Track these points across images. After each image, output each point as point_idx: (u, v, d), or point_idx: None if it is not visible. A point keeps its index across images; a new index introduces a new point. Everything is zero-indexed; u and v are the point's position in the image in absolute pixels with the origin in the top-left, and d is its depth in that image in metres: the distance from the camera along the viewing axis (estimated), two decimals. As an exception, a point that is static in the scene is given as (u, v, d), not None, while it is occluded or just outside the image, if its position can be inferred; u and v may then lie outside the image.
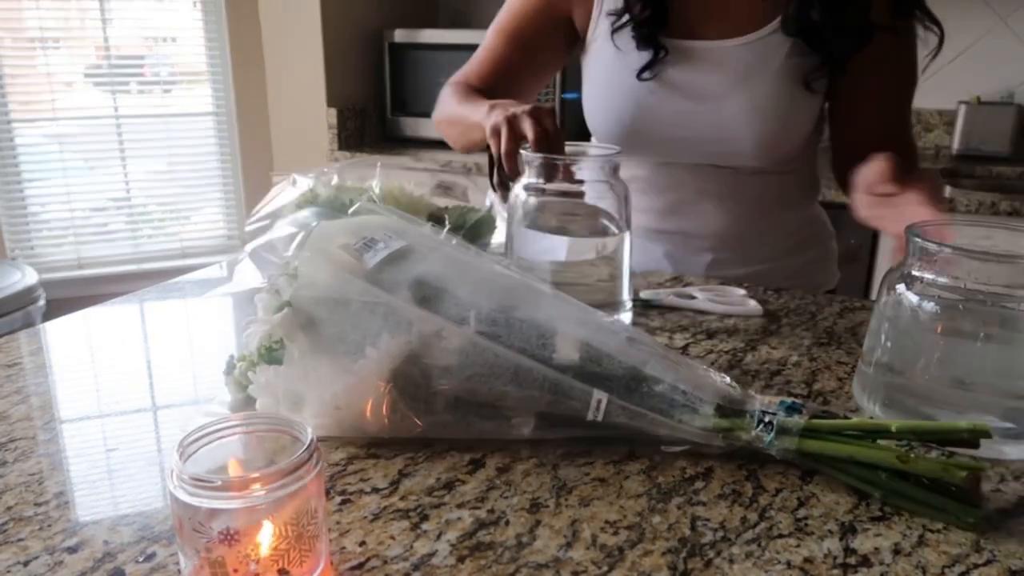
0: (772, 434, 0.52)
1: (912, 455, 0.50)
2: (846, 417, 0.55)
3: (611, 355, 0.56)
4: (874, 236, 1.85)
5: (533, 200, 0.74)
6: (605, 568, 0.44)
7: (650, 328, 0.80)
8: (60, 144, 2.63)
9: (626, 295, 0.76)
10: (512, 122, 0.76)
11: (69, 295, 2.53)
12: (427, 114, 2.48)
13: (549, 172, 0.73)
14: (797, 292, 0.92)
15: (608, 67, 0.99)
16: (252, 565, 0.38)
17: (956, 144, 2.24)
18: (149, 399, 0.66)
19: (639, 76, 0.95)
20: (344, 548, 0.45)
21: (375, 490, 0.51)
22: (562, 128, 0.75)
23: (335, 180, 0.79)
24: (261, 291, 0.58)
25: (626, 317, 0.76)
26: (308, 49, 2.44)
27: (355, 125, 2.53)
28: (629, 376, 0.55)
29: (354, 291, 0.55)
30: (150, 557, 0.44)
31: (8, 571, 0.43)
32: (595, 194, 0.74)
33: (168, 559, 0.44)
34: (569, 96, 2.22)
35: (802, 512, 0.49)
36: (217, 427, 0.41)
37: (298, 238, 0.65)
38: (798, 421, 0.52)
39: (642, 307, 0.85)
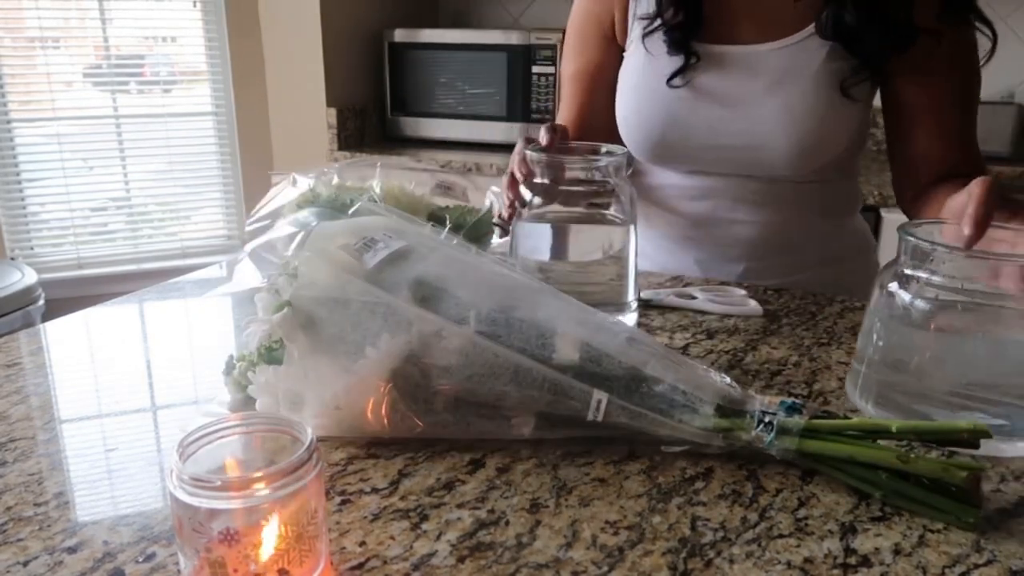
0: (772, 434, 0.52)
1: (912, 455, 0.50)
2: (846, 417, 0.55)
3: (611, 355, 0.56)
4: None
5: (538, 200, 0.74)
6: (605, 568, 0.44)
7: (650, 328, 0.80)
8: (60, 144, 2.63)
9: (632, 296, 0.76)
10: (528, 138, 0.78)
11: (69, 295, 2.53)
12: (427, 114, 2.51)
13: (554, 171, 0.73)
14: (797, 292, 0.92)
15: (639, 73, 0.96)
16: (252, 565, 0.38)
17: (956, 144, 2.24)
18: (149, 399, 0.66)
19: (669, 83, 0.92)
20: (344, 548, 0.45)
21: (375, 490, 0.51)
22: None
23: (336, 180, 0.79)
24: (261, 291, 0.58)
25: (631, 318, 0.76)
26: (308, 49, 2.44)
27: (355, 125, 2.53)
28: (629, 376, 0.55)
29: (354, 291, 0.55)
30: (150, 557, 0.44)
31: (8, 571, 0.43)
32: (598, 194, 0.74)
33: (168, 559, 0.44)
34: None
35: (802, 512, 0.49)
36: (217, 427, 0.41)
37: (298, 238, 0.65)
38: (798, 421, 0.52)
39: (642, 307, 0.85)
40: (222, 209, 2.83)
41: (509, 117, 2.39)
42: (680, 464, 0.55)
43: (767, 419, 0.53)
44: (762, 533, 0.47)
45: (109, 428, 0.61)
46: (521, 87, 2.35)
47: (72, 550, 0.45)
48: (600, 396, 0.54)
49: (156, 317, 0.86)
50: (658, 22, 0.93)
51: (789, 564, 0.44)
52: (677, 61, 0.92)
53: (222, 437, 0.41)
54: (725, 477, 0.53)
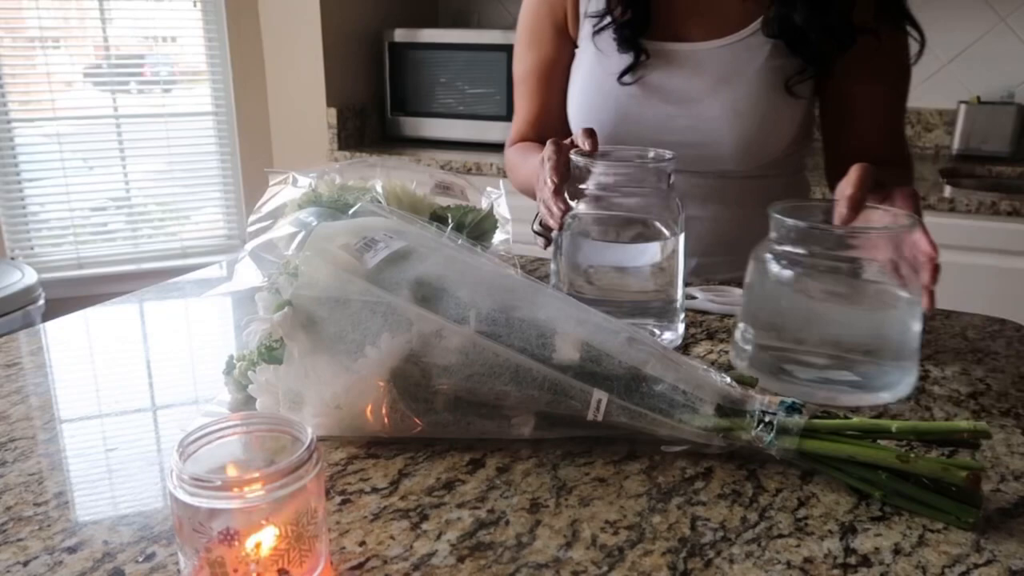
0: (772, 434, 0.52)
1: (912, 455, 0.50)
2: (846, 417, 0.55)
3: (611, 355, 0.56)
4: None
5: (584, 207, 0.73)
6: (605, 568, 0.44)
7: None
8: (60, 144, 2.63)
9: (680, 304, 0.75)
10: (556, 142, 0.76)
11: (69, 295, 2.53)
12: (427, 114, 2.52)
13: (605, 177, 0.72)
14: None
15: (589, 70, 0.98)
16: (252, 565, 0.38)
17: (956, 144, 2.24)
18: (149, 399, 0.66)
19: (619, 79, 0.94)
20: (344, 548, 0.45)
21: (375, 490, 0.51)
22: None
23: (337, 180, 0.79)
24: (261, 290, 0.58)
25: (680, 328, 0.75)
26: (308, 49, 2.44)
27: (355, 125, 2.53)
28: (629, 376, 0.55)
29: (354, 291, 0.55)
30: (150, 557, 0.44)
31: (8, 571, 0.43)
32: (646, 200, 0.73)
33: (168, 559, 0.44)
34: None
35: (802, 512, 0.49)
36: (217, 427, 0.41)
37: (298, 238, 0.65)
38: (798, 421, 0.52)
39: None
40: (222, 209, 2.83)
41: (509, 117, 2.36)
42: (680, 464, 0.55)
43: (767, 419, 0.53)
44: (762, 533, 0.47)
45: (109, 428, 0.61)
46: (521, 87, 2.34)
47: (72, 550, 0.45)
48: (600, 396, 0.54)
49: (156, 317, 0.86)
50: (608, 20, 0.94)
51: (789, 564, 0.44)
52: (627, 58, 0.94)
53: (222, 437, 0.41)
54: (725, 477, 0.53)
